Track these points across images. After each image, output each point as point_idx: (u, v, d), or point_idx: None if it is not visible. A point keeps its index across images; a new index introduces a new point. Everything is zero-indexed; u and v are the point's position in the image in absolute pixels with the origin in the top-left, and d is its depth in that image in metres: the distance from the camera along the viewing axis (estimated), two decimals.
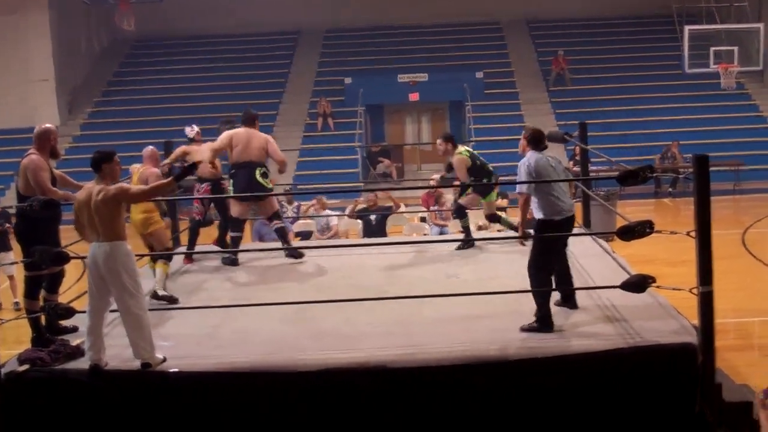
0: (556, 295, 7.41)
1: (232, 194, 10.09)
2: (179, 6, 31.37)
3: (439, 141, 10.48)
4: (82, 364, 6.58)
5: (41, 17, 28.80)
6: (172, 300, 8.39)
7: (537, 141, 7.46)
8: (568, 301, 7.50)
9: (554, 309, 7.30)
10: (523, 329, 6.96)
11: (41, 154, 7.47)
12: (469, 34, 32.20)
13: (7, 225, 12.32)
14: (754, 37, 24.67)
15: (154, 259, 8.78)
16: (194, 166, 6.85)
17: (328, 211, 15.27)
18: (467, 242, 10.20)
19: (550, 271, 7.23)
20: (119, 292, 6.36)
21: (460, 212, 10.66)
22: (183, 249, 10.52)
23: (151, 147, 9.50)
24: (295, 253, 10.00)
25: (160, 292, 8.47)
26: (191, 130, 10.45)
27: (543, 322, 6.96)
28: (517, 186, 7.46)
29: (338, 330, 7.22)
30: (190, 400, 6.43)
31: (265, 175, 10.31)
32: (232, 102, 28.56)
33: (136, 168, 9.18)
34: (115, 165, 6.61)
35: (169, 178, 6.74)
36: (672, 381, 6.21)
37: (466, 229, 10.76)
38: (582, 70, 29.56)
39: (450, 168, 10.64)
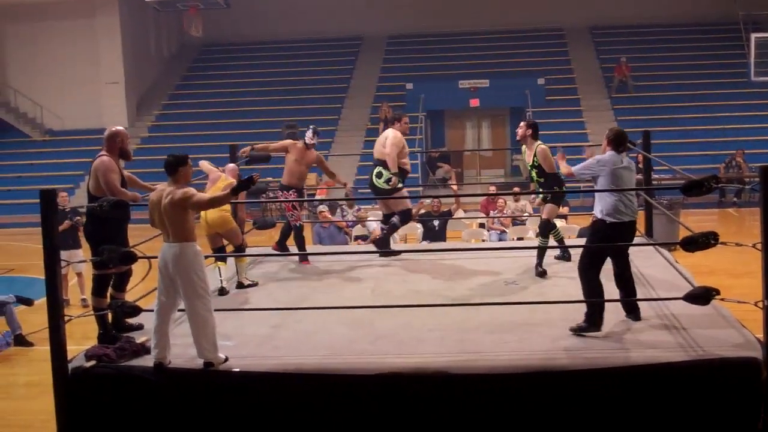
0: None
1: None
2: (246, 12, 31.83)
3: (522, 124, 9.98)
4: (147, 361, 6.72)
5: (112, 21, 29.45)
6: (254, 285, 9.29)
7: (619, 142, 7.36)
8: (632, 312, 7.40)
9: (616, 319, 7.27)
10: (572, 329, 6.98)
11: (111, 155, 7.64)
12: (531, 41, 32.11)
13: (77, 218, 12.62)
14: None
15: (223, 259, 9.28)
16: (251, 179, 6.99)
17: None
18: (564, 252, 9.73)
19: (597, 271, 7.13)
20: (187, 293, 6.48)
21: (546, 228, 9.51)
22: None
23: (233, 165, 10.33)
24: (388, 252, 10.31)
25: (245, 282, 9.29)
26: (309, 138, 10.38)
27: (591, 321, 6.95)
28: (580, 166, 7.40)
29: (396, 334, 7.26)
30: (250, 400, 6.52)
31: (379, 175, 10.49)
32: (295, 107, 28.88)
33: (222, 176, 9.81)
34: (189, 168, 6.74)
35: (227, 191, 6.86)
36: (735, 396, 6.11)
37: (560, 241, 9.85)
38: (645, 77, 29.24)
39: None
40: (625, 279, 7.42)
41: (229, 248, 9.59)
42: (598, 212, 7.27)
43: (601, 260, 7.22)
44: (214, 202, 6.81)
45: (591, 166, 7.28)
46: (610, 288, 7.34)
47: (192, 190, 6.58)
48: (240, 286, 9.24)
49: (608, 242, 7.21)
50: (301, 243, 10.40)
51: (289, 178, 10.36)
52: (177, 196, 6.49)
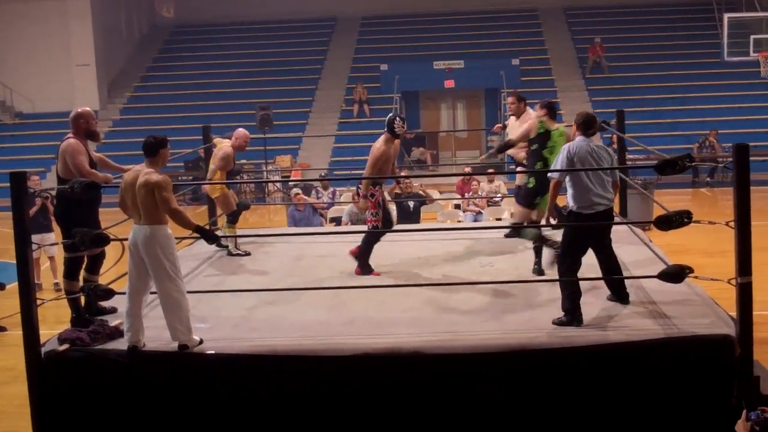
0: (602, 291, 7.37)
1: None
2: None
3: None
4: (121, 344, 6.66)
5: (83, 2, 29.10)
6: (246, 254, 9.71)
7: (587, 126, 7.15)
8: (621, 298, 7.29)
9: (593, 298, 7.29)
10: (554, 323, 6.83)
11: (78, 137, 7.55)
12: (505, 21, 32.08)
13: (46, 195, 12.42)
14: None
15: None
16: (216, 237, 7.27)
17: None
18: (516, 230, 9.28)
19: (575, 264, 6.99)
20: (158, 275, 6.43)
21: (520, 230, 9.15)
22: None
23: (243, 130, 10.12)
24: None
25: (233, 251, 9.76)
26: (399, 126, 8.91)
27: (571, 315, 6.83)
28: (554, 172, 7.24)
29: (371, 316, 7.25)
30: (226, 382, 6.50)
31: None
32: (269, 88, 28.73)
33: (218, 140, 10.15)
34: (166, 151, 6.68)
35: (194, 225, 6.70)
36: (709, 373, 6.16)
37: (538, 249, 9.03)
38: (619, 58, 29.32)
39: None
40: (612, 269, 7.28)
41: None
42: (571, 202, 7.06)
43: (579, 252, 7.05)
44: (175, 215, 6.60)
45: (560, 161, 7.04)
46: (588, 272, 7.32)
47: (167, 185, 6.47)
48: (229, 254, 9.74)
49: (584, 233, 7.06)
50: (368, 248, 8.89)
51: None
52: (153, 180, 6.41)
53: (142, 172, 6.51)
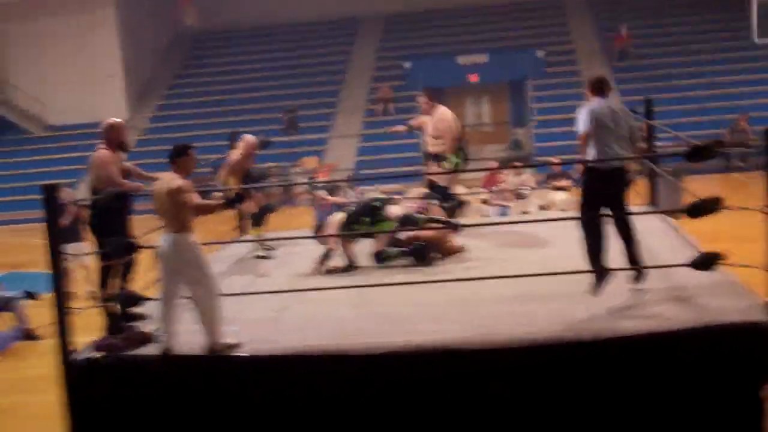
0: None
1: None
2: None
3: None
4: (153, 350, 6.73)
5: (108, 14, 29.38)
6: (269, 257, 9.76)
7: (599, 87, 7.28)
8: (636, 275, 7.29)
9: (621, 289, 7.26)
10: (590, 292, 7.02)
11: (109, 148, 7.66)
12: (529, 12, 31.93)
13: (77, 207, 12.54)
14: None
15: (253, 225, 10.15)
16: (243, 196, 7.15)
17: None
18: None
19: (595, 224, 7.11)
20: (187, 282, 6.49)
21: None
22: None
23: (250, 136, 10.27)
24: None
25: (260, 253, 9.86)
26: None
27: (599, 273, 7.01)
28: (579, 126, 7.28)
29: (400, 313, 7.25)
30: (257, 384, 6.53)
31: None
32: (294, 91, 28.85)
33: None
34: (190, 159, 6.72)
35: (221, 202, 6.94)
36: (743, 360, 6.09)
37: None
38: (646, 44, 29.07)
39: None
40: (626, 230, 7.27)
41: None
42: (590, 158, 7.18)
43: (594, 205, 7.16)
44: (201, 209, 6.68)
45: (582, 116, 7.17)
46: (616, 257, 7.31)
47: (187, 187, 6.53)
48: (257, 256, 9.84)
49: (596, 189, 7.14)
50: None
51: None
52: (174, 185, 6.48)
53: (166, 180, 6.58)
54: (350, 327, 6.98)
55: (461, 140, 10.14)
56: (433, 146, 10.12)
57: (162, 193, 6.52)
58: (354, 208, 9.39)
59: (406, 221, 8.95)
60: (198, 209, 6.59)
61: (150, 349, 6.77)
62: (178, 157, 6.65)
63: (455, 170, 10.00)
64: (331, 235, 9.00)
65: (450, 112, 10.18)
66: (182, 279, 6.51)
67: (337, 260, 9.03)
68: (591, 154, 7.15)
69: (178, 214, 6.48)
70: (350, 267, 8.94)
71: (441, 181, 10.10)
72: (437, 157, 10.13)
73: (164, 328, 6.58)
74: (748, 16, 25.16)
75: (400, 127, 11.21)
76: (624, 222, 7.27)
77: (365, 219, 9.04)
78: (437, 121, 10.02)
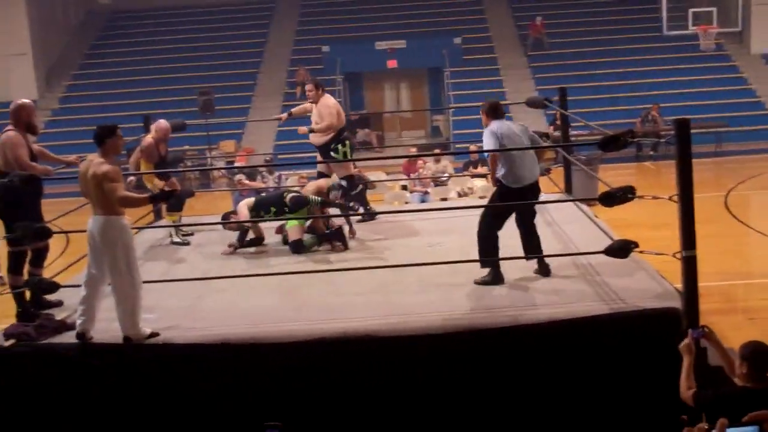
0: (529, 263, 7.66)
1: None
2: None
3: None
4: (68, 338, 6.59)
5: None
6: (185, 243, 9.64)
7: (495, 110, 7.60)
8: (542, 269, 7.56)
9: (539, 276, 7.41)
10: (476, 282, 7.33)
11: (18, 129, 7.42)
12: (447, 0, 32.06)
13: None
14: None
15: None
16: (171, 193, 7.06)
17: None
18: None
19: (496, 231, 7.42)
20: (112, 266, 6.36)
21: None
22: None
23: (164, 121, 10.02)
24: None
25: (176, 239, 9.72)
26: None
27: (493, 274, 7.34)
28: (488, 147, 7.54)
29: (321, 300, 7.24)
30: (175, 372, 6.45)
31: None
32: (210, 73, 28.42)
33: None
34: (118, 140, 6.56)
35: (146, 196, 6.86)
36: (656, 346, 6.24)
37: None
38: (560, 34, 29.49)
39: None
40: (533, 241, 7.60)
41: None
42: (500, 176, 7.42)
43: (503, 222, 7.48)
44: (127, 202, 6.52)
45: (489, 140, 7.41)
46: (516, 244, 7.58)
47: (115, 174, 6.37)
48: (172, 242, 9.72)
49: (508, 203, 7.44)
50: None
51: None
52: (100, 171, 6.31)
53: (93, 162, 6.40)
54: (270, 315, 6.94)
55: (347, 130, 10.13)
56: (315, 137, 10.06)
57: (89, 176, 6.35)
58: (263, 197, 9.53)
59: (298, 202, 9.01)
60: (123, 201, 6.43)
61: (64, 338, 6.62)
62: (108, 137, 6.47)
63: (345, 159, 9.98)
64: (239, 222, 9.11)
65: (334, 100, 10.17)
66: (107, 263, 6.35)
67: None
68: (502, 171, 7.39)
69: (105, 198, 6.32)
70: (258, 240, 9.21)
71: (338, 172, 10.04)
72: (321, 148, 10.10)
73: (84, 311, 6.42)
74: (658, 9, 25.73)
75: (283, 116, 11.17)
76: (534, 234, 7.62)
77: (272, 209, 9.12)
78: (320, 109, 9.97)
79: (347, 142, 9.97)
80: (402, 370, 6.39)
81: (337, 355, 6.40)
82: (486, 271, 7.44)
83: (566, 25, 29.95)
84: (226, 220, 9.51)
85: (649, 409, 6.27)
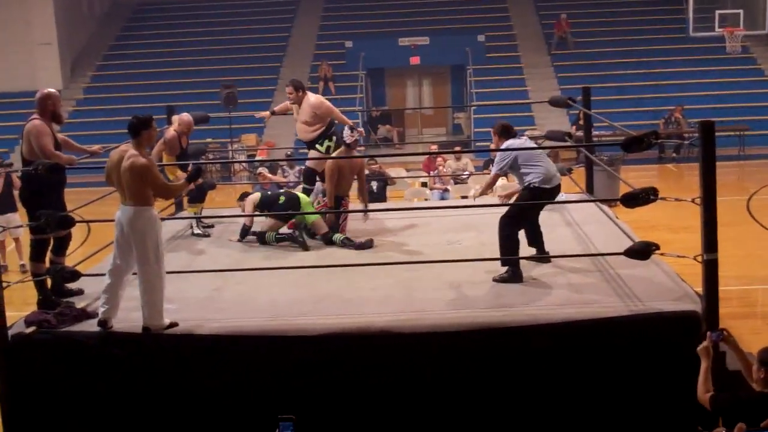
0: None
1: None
2: None
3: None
4: (88, 326, 6.64)
5: None
6: (205, 235, 9.67)
7: (507, 131, 7.84)
8: (543, 259, 7.84)
9: (559, 274, 7.39)
10: (495, 279, 7.38)
11: (43, 118, 7.46)
12: None
13: (10, 167, 12.22)
14: (759, 0, 24.40)
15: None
16: (199, 170, 7.03)
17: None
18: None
19: (518, 230, 7.59)
20: (139, 257, 6.39)
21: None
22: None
23: (187, 114, 9.96)
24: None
25: (197, 231, 9.71)
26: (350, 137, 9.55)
27: (512, 272, 7.39)
28: (495, 165, 7.86)
29: (339, 295, 7.25)
30: (192, 363, 6.48)
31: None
32: (233, 66, 28.48)
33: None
34: (153, 131, 6.60)
35: (183, 181, 6.86)
36: (675, 349, 6.21)
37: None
38: (585, 34, 29.36)
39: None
40: (538, 233, 7.87)
41: None
42: (534, 180, 7.59)
43: (527, 221, 7.70)
44: (169, 191, 6.61)
45: (502, 159, 7.69)
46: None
47: (154, 167, 6.44)
48: (193, 234, 9.71)
49: (533, 207, 7.69)
50: None
51: None
52: (138, 164, 6.32)
53: (127, 153, 6.41)
54: (288, 308, 6.95)
55: (334, 125, 10.09)
56: (306, 133, 10.07)
57: (124, 168, 6.36)
58: (268, 195, 9.70)
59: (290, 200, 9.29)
60: (167, 190, 6.50)
61: (84, 326, 6.66)
62: (144, 129, 6.48)
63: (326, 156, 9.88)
64: (251, 215, 9.28)
65: (319, 96, 10.27)
66: (135, 253, 6.40)
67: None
68: (533, 176, 7.57)
69: (139, 189, 6.35)
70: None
71: (314, 165, 10.06)
72: (311, 144, 10.13)
73: (107, 299, 6.48)
74: (684, 10, 25.57)
75: (266, 114, 11.22)
76: (539, 228, 7.86)
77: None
78: (315, 107, 9.96)
79: (334, 138, 10.01)
80: (418, 366, 6.40)
81: (354, 350, 6.41)
82: (505, 269, 7.46)
83: (591, 24, 29.82)
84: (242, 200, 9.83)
85: (667, 413, 6.25)
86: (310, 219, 9.18)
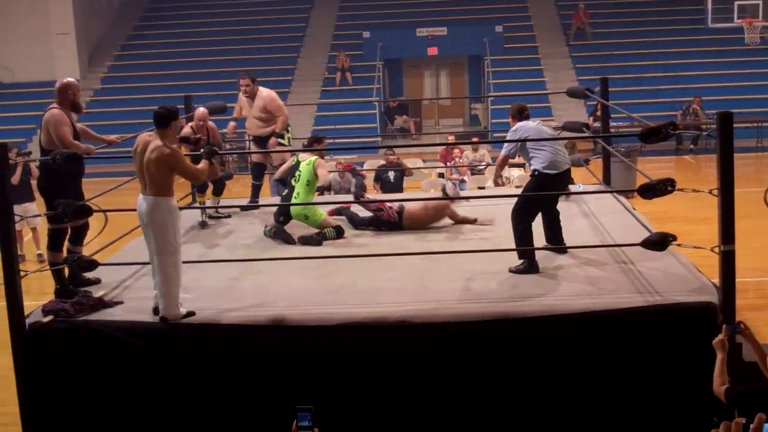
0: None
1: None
2: None
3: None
4: (105, 315, 6.68)
5: None
6: (204, 225, 9.56)
7: (520, 112, 7.92)
8: (556, 243, 7.81)
9: (575, 265, 7.37)
10: (511, 270, 7.36)
11: (62, 108, 7.49)
12: None
13: (28, 157, 12.29)
14: None
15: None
16: (215, 150, 7.12)
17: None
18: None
19: (531, 220, 7.58)
20: (157, 247, 6.41)
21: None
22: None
23: (202, 108, 10.03)
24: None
25: (209, 220, 9.75)
26: None
27: (530, 264, 7.36)
28: (504, 146, 7.92)
29: (355, 285, 7.26)
30: (208, 352, 6.50)
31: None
32: (250, 56, 28.49)
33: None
34: (178, 122, 6.64)
35: (206, 162, 6.84)
36: (692, 340, 6.19)
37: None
38: (603, 24, 29.22)
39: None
40: (556, 225, 7.83)
41: None
42: (538, 166, 7.59)
43: (538, 210, 7.67)
44: (199, 173, 6.65)
45: (512, 138, 7.75)
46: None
47: (180, 155, 6.47)
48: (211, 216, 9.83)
49: (546, 190, 7.64)
50: None
51: None
52: (165, 154, 6.34)
53: (152, 144, 6.42)
54: (304, 298, 6.97)
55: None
56: (258, 128, 10.17)
57: (149, 158, 6.38)
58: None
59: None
60: (195, 174, 6.57)
61: (101, 315, 6.70)
62: (173, 120, 6.53)
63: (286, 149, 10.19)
64: (270, 205, 9.41)
65: (270, 90, 10.31)
66: (153, 242, 6.43)
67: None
68: (537, 162, 7.57)
69: (162, 179, 6.37)
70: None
71: (258, 158, 10.25)
72: (264, 140, 10.26)
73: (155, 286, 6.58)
74: (703, 1, 25.38)
75: (232, 125, 11.10)
76: (557, 219, 7.83)
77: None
78: (266, 102, 10.08)
79: (290, 128, 10.16)
80: (434, 356, 6.40)
81: (370, 341, 6.42)
82: (521, 261, 7.45)
83: (609, 15, 29.67)
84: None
85: (683, 404, 6.23)
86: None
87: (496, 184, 8.78)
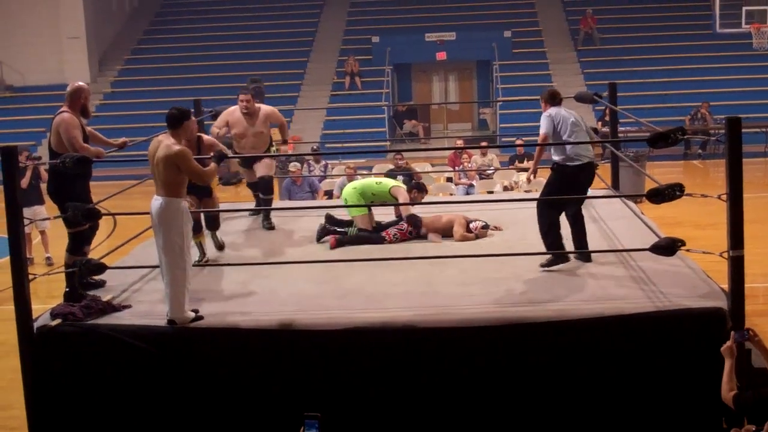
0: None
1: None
2: None
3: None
4: (113, 319, 6.69)
5: None
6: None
7: (553, 97, 7.93)
8: (584, 256, 7.70)
9: (583, 270, 7.36)
10: (542, 265, 7.43)
11: (73, 112, 7.51)
12: None
13: (38, 161, 12.32)
14: None
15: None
16: (223, 154, 7.12)
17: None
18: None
19: (557, 212, 7.61)
20: (164, 248, 6.42)
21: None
22: None
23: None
24: None
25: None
26: None
27: (559, 255, 7.42)
28: (541, 130, 7.85)
29: (363, 290, 7.26)
30: (216, 357, 6.50)
31: None
32: (260, 60, 28.55)
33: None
34: (193, 123, 6.65)
35: (212, 166, 6.85)
36: (701, 345, 6.18)
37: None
38: (611, 29, 29.19)
39: None
40: (579, 218, 7.81)
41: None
42: (558, 159, 7.63)
43: (560, 203, 7.67)
44: (205, 175, 6.66)
45: (547, 122, 7.76)
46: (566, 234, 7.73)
47: (188, 154, 6.47)
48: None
49: (570, 184, 7.62)
50: None
51: None
52: (173, 151, 6.37)
53: (163, 143, 6.46)
54: (312, 302, 6.97)
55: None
56: (254, 149, 9.78)
57: (158, 158, 6.41)
58: None
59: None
60: (200, 175, 6.58)
61: (109, 319, 6.71)
62: (186, 120, 6.56)
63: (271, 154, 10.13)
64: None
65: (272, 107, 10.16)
66: (162, 244, 6.45)
67: None
68: (559, 154, 7.61)
69: (171, 179, 6.39)
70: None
71: (264, 172, 10.00)
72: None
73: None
74: (711, 6, 25.36)
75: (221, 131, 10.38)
76: (580, 212, 7.79)
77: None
78: (269, 113, 9.87)
79: (273, 143, 10.09)
80: (442, 361, 6.39)
81: (377, 345, 6.41)
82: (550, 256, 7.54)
83: (617, 20, 29.63)
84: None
85: (693, 409, 6.21)
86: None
87: (529, 180, 8.86)
